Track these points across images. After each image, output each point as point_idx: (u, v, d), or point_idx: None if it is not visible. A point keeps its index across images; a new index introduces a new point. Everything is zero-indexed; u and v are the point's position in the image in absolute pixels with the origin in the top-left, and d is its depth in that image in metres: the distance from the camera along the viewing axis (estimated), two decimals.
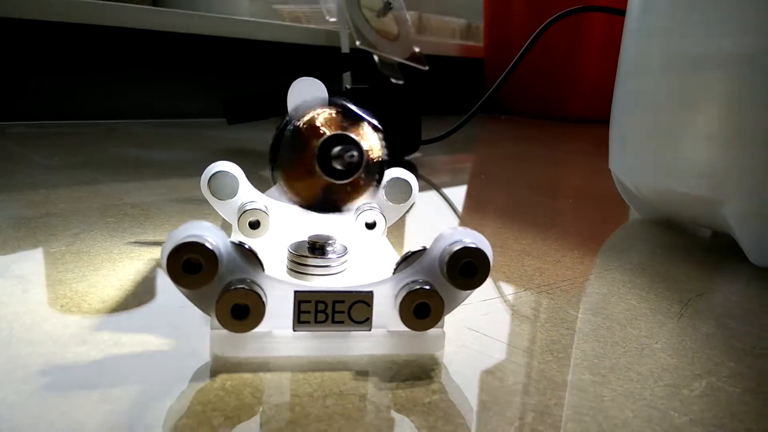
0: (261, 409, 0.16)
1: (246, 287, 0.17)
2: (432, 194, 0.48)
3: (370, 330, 0.19)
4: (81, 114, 0.74)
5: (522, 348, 0.21)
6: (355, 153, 0.17)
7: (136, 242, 0.28)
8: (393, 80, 1.02)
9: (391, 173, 0.29)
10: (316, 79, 0.33)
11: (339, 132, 0.18)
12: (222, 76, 0.86)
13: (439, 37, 1.28)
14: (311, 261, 0.23)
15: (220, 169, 0.28)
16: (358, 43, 0.93)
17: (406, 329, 0.19)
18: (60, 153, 0.52)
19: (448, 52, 1.23)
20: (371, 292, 0.19)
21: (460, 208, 0.45)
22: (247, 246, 0.19)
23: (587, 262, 0.30)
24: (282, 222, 0.28)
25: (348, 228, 0.28)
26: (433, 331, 0.19)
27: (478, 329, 0.22)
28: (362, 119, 0.19)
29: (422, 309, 0.19)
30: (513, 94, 1.20)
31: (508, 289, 0.26)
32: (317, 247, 0.24)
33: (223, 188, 0.28)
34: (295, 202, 0.20)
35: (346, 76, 0.85)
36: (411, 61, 1.07)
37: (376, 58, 1.00)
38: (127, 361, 0.18)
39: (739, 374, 0.20)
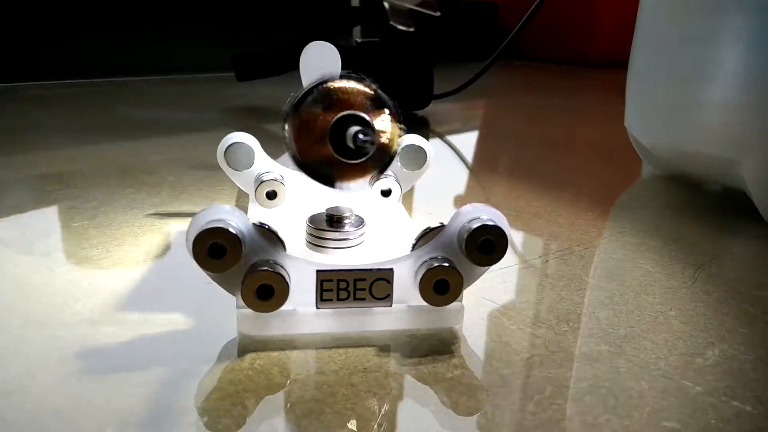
0: (290, 389, 0.17)
1: (270, 269, 0.18)
2: (445, 152, 0.48)
3: (391, 306, 0.20)
4: (93, 71, 0.73)
5: (538, 318, 0.21)
6: (370, 139, 0.17)
7: (155, 214, 0.29)
8: (404, 28, 1.00)
9: (405, 140, 0.29)
10: (329, 44, 0.33)
11: (361, 114, 0.18)
12: (228, 29, 0.85)
13: None
14: (330, 235, 0.23)
15: (236, 141, 0.28)
16: None
17: (425, 305, 0.20)
18: (75, 115, 0.52)
19: None
20: (391, 270, 0.19)
21: (471, 165, 0.45)
22: (267, 227, 0.19)
23: (600, 225, 0.31)
24: (297, 192, 0.28)
25: (363, 195, 0.29)
26: (452, 305, 0.20)
27: (495, 299, 0.22)
28: (389, 107, 0.19)
29: (442, 285, 0.19)
30: (527, 37, 1.17)
31: (523, 256, 0.27)
32: (335, 220, 0.24)
33: (239, 159, 0.28)
34: (293, 157, 0.20)
35: (356, 31, 0.83)
36: (422, 8, 1.04)
37: (386, 5, 0.97)
38: (157, 341, 0.18)
39: (750, 341, 0.20)
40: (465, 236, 0.19)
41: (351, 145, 0.17)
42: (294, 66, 0.64)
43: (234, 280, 0.18)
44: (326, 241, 0.23)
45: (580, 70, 1.07)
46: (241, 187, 0.29)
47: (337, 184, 0.21)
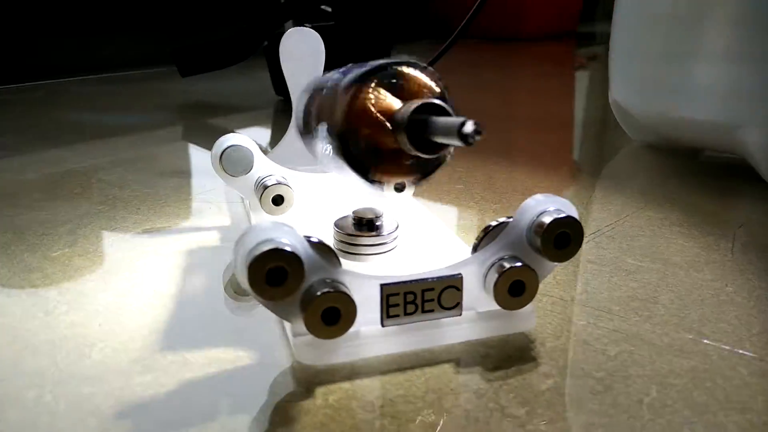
0: (383, 425, 0.14)
1: (333, 289, 0.16)
2: None
3: (460, 315, 0.18)
4: (17, 76, 0.66)
5: (603, 309, 0.20)
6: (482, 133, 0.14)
7: (144, 233, 0.25)
8: (326, 8, 0.96)
9: None
10: (311, 30, 0.31)
11: (443, 104, 0.15)
12: (158, 21, 0.79)
13: None
14: (364, 240, 0.21)
15: (232, 143, 0.25)
16: None
17: (495, 309, 0.18)
18: (9, 126, 0.46)
19: None
20: (460, 276, 0.17)
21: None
22: (319, 241, 0.16)
23: (615, 202, 0.30)
24: (303, 195, 0.26)
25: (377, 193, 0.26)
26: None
27: (550, 293, 0.21)
28: (452, 106, 0.16)
29: (517, 287, 0.17)
30: (458, 15, 1.16)
31: None
32: (364, 223, 0.22)
33: (237, 164, 0.25)
34: (332, 139, 0.17)
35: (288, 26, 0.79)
36: None
37: None
38: (207, 386, 0.16)
39: None
40: (540, 232, 0.17)
41: (451, 137, 0.14)
42: (240, 58, 0.60)
43: (290, 305, 0.16)
44: (360, 248, 0.21)
45: (517, 45, 1.07)
46: (240, 194, 0.26)
47: (382, 178, 0.18)
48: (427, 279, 0.17)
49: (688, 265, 0.23)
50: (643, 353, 0.17)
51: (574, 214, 0.18)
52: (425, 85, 0.17)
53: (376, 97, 0.17)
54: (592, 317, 0.19)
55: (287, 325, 0.17)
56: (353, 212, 0.22)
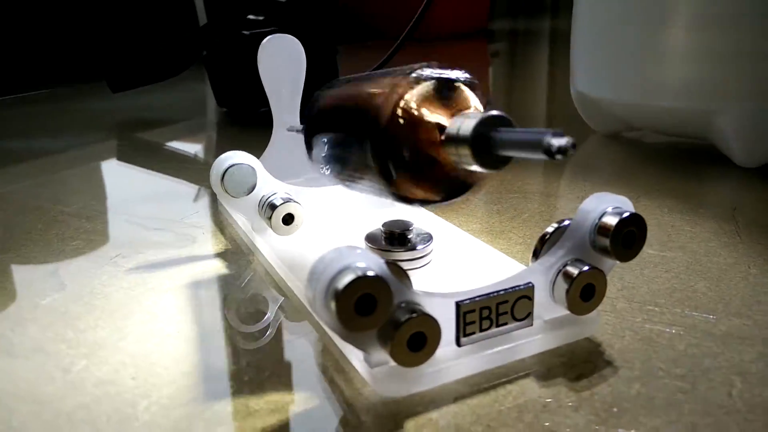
0: None
1: (416, 313, 0.14)
2: None
3: (532, 325, 0.17)
4: None
5: (650, 303, 0.20)
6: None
7: (138, 267, 0.23)
8: (253, 17, 0.93)
9: None
10: (292, 37, 0.29)
11: (509, 117, 0.14)
12: (80, 31, 0.74)
13: None
14: (401, 255, 0.20)
15: (234, 162, 0.23)
16: None
17: (561, 315, 0.17)
18: None
19: None
20: (532, 285, 0.17)
21: None
22: (393, 262, 0.15)
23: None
24: (312, 211, 0.24)
25: (386, 203, 0.25)
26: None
27: None
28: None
29: (588, 291, 0.17)
30: (375, 15, 1.16)
31: None
32: (396, 236, 0.21)
33: (241, 184, 0.23)
34: (366, 147, 0.16)
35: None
36: None
37: None
38: None
39: None
40: (607, 232, 0.17)
41: (531, 151, 0.13)
42: (178, 71, 0.57)
43: (369, 334, 0.14)
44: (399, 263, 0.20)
45: (431, 45, 1.08)
46: (244, 216, 0.24)
47: (414, 194, 0.17)
48: (500, 291, 0.16)
49: (704, 251, 0.23)
50: (709, 344, 0.17)
51: (632, 210, 0.17)
52: (471, 100, 0.16)
53: (427, 107, 0.15)
54: (644, 313, 0.19)
55: (355, 354, 0.16)
56: (383, 226, 0.21)
